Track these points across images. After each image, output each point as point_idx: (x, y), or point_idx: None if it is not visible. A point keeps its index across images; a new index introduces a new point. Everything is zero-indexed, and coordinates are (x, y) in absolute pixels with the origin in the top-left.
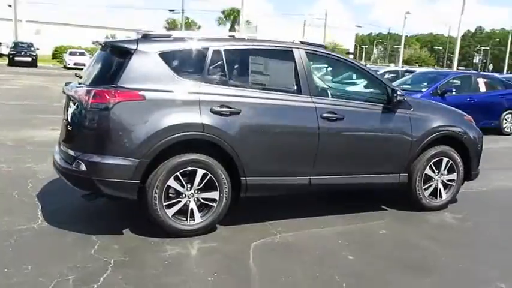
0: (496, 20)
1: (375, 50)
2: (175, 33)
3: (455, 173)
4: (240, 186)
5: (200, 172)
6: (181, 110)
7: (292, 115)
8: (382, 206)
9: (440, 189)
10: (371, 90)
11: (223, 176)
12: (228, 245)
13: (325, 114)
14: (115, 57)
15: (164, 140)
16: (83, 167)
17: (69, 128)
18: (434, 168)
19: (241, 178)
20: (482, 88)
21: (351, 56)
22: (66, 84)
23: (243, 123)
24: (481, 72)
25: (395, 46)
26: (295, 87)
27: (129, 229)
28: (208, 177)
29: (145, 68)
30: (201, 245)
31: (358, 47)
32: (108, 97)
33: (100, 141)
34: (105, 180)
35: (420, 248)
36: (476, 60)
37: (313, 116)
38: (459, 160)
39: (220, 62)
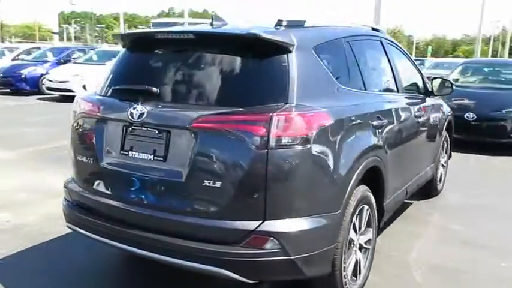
0: None
1: (71, 29)
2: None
3: None
4: (382, 214)
5: (365, 208)
6: (360, 129)
7: (408, 119)
8: None
9: None
10: (414, 81)
11: (374, 206)
12: None
13: (417, 113)
14: (256, 58)
15: (357, 173)
16: (274, 244)
17: (212, 184)
18: None
19: (384, 203)
20: None
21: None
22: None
23: (389, 136)
24: None
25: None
26: (394, 85)
27: None
28: (368, 213)
29: (308, 73)
30: None
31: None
32: (306, 124)
33: (295, 196)
34: (307, 257)
35: None
36: None
37: (413, 118)
38: None
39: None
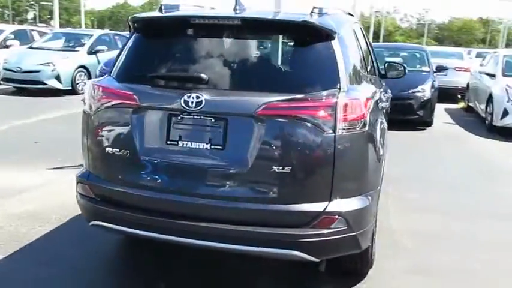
0: None
1: None
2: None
3: None
4: None
5: None
6: (380, 110)
7: (385, 99)
8: None
9: None
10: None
11: None
12: None
13: (386, 94)
14: (307, 45)
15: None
16: (341, 223)
17: (281, 169)
18: None
19: None
20: None
21: None
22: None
23: (382, 116)
24: None
25: None
26: (375, 69)
27: None
28: None
29: (347, 58)
30: None
31: None
32: (363, 108)
33: (356, 175)
34: (364, 232)
35: None
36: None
37: (386, 98)
38: None
39: None
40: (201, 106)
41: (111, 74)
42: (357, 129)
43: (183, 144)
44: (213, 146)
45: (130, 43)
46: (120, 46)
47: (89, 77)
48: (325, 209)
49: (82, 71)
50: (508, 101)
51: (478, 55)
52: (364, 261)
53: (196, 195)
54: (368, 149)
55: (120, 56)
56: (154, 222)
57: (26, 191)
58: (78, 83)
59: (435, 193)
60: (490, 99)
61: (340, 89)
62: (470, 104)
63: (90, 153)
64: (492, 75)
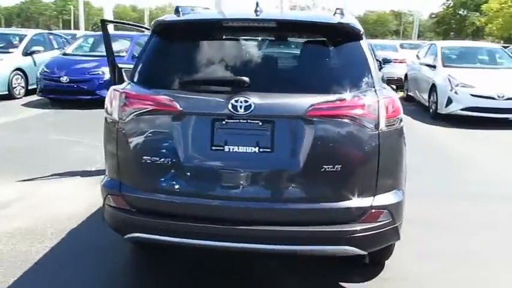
0: None
1: None
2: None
3: None
4: None
5: None
6: None
7: None
8: None
9: None
10: None
11: None
12: None
13: None
14: (340, 45)
15: None
16: (387, 216)
17: (331, 168)
18: None
19: None
20: None
21: None
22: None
23: None
24: None
25: None
26: None
27: None
28: None
29: (372, 58)
30: None
31: None
32: (399, 106)
33: (396, 170)
34: (401, 223)
35: None
36: None
37: None
38: None
39: None
40: (250, 110)
41: (134, 80)
42: (395, 125)
43: (229, 149)
44: (261, 149)
45: (155, 47)
46: (56, 46)
47: (27, 81)
48: (372, 203)
49: (19, 74)
50: (451, 90)
51: (401, 46)
52: (388, 252)
53: (246, 199)
54: (403, 145)
55: (144, 61)
56: (203, 230)
57: (7, 206)
58: (15, 87)
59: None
60: (433, 88)
61: (375, 88)
62: (410, 93)
63: (122, 163)
64: (432, 66)
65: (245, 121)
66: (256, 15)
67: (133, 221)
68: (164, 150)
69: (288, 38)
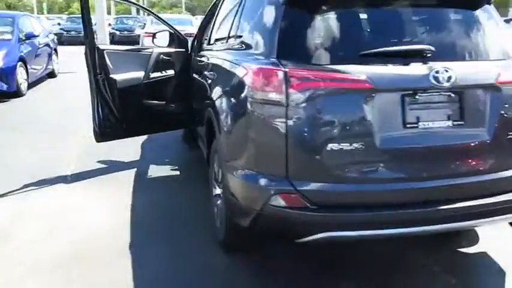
0: None
1: None
2: None
3: None
4: None
5: None
6: None
7: None
8: None
9: None
10: None
11: None
12: None
13: None
14: (480, 13)
15: None
16: None
17: None
18: None
19: None
20: None
21: None
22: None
23: None
24: None
25: None
26: None
27: None
28: None
29: None
30: None
31: None
32: None
33: None
34: None
35: None
36: None
37: None
38: None
39: None
40: (451, 81)
41: (279, 56)
42: None
43: (424, 125)
44: (454, 123)
45: (305, 17)
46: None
47: None
48: None
49: None
50: None
51: None
52: None
53: (449, 176)
54: None
55: (294, 34)
56: (406, 216)
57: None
58: None
59: None
60: None
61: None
62: None
63: (294, 155)
64: None
65: (437, 94)
66: None
67: (319, 220)
68: (354, 135)
69: (444, 6)
